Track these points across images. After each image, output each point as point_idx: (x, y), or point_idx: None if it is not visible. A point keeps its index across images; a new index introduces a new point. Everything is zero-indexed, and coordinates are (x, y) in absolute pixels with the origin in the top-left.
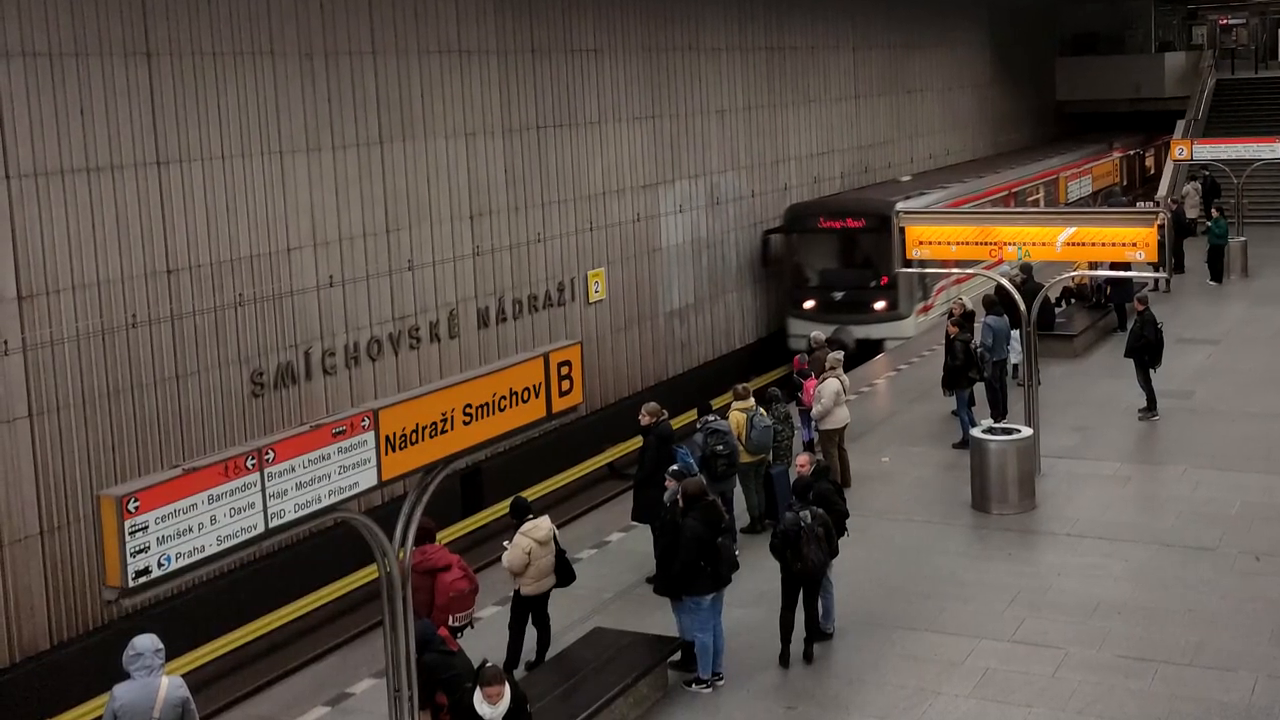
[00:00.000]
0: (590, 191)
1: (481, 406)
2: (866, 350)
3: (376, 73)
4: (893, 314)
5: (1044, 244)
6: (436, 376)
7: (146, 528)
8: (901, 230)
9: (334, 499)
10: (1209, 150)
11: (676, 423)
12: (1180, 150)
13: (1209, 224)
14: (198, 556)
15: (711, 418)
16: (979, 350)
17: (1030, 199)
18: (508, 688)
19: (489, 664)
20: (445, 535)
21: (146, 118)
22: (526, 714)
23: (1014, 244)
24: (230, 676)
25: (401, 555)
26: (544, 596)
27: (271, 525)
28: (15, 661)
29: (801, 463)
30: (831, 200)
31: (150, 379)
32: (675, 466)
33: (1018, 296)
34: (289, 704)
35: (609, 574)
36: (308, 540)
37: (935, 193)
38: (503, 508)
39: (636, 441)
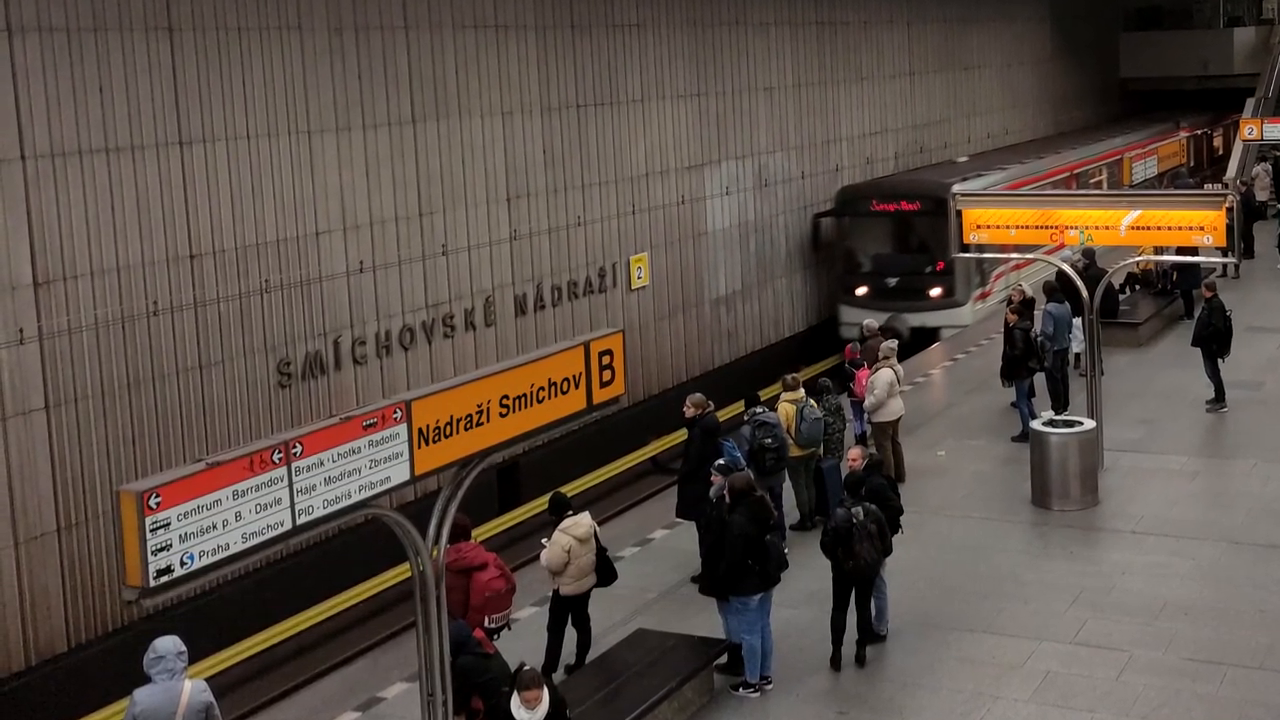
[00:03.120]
0: (633, 173)
1: (519, 398)
2: (921, 339)
3: (409, 48)
4: (949, 301)
5: (1107, 228)
6: (472, 367)
7: (168, 524)
8: (958, 213)
9: (364, 494)
10: None
11: (723, 415)
12: (1250, 130)
13: None
14: (222, 555)
15: (759, 410)
16: (1039, 339)
17: (1093, 181)
18: (546, 692)
19: (527, 667)
20: (481, 532)
21: (169, 96)
22: (566, 719)
23: (1076, 228)
24: (256, 680)
25: (435, 553)
26: (584, 596)
27: (299, 522)
28: (31, 664)
29: (853, 457)
30: (885, 182)
31: (172, 369)
32: (721, 461)
33: (1080, 283)
34: (317, 709)
35: (652, 573)
36: (337, 538)
37: (993, 174)
38: (541, 504)
39: (681, 434)
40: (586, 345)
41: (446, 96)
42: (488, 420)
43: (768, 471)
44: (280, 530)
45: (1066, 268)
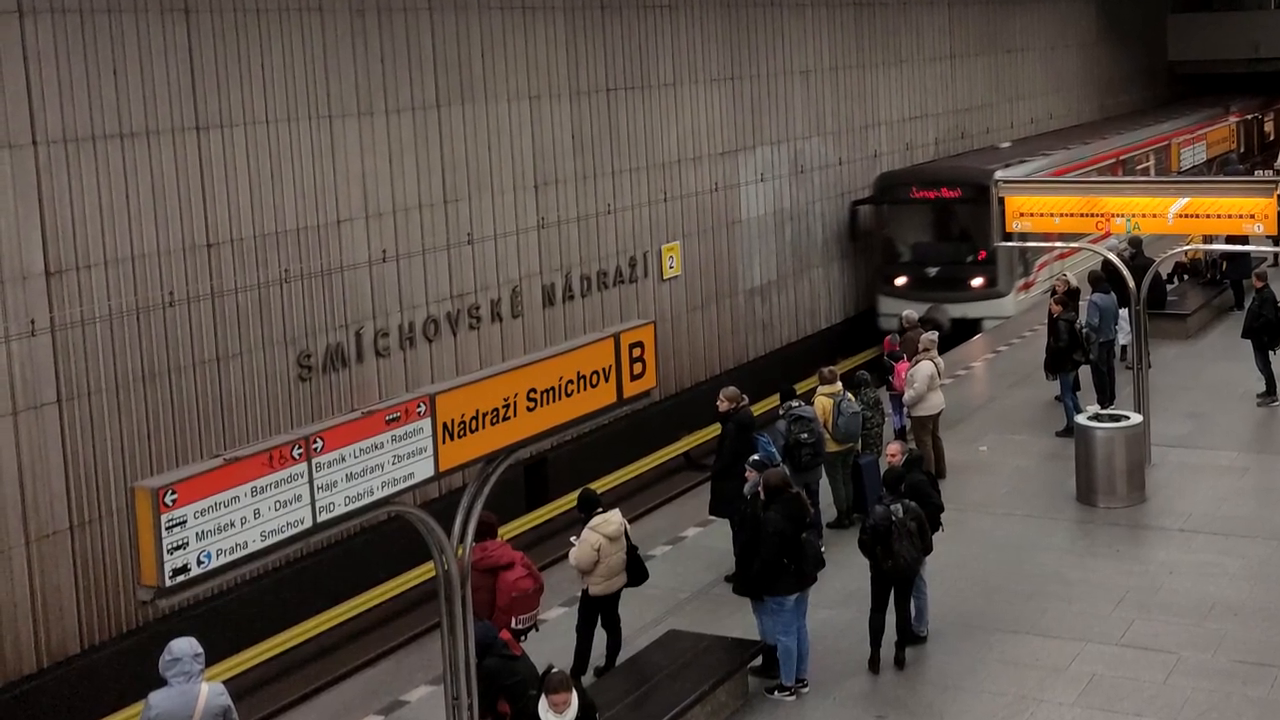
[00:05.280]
0: (664, 159)
1: (547, 391)
2: (963, 330)
3: (433, 30)
4: (991, 291)
5: (1155, 216)
6: (498, 359)
7: (185, 522)
8: (1001, 201)
9: (387, 491)
10: None
11: (757, 409)
12: None
13: None
14: (240, 553)
15: (795, 403)
16: (1084, 330)
17: (1139, 167)
18: (575, 695)
19: (555, 669)
20: (508, 531)
21: (185, 79)
22: None
23: (1122, 216)
24: (275, 683)
25: (460, 552)
26: (614, 597)
27: (320, 520)
28: (43, 667)
29: (892, 452)
30: (925, 168)
31: (189, 361)
32: (756, 456)
33: (1126, 272)
34: (338, 712)
35: (684, 572)
36: (359, 536)
37: (1037, 160)
38: (570, 501)
39: (714, 429)
40: (617, 337)
41: (472, 80)
42: (514, 415)
43: (804, 467)
44: (300, 528)
45: (1113, 257)
